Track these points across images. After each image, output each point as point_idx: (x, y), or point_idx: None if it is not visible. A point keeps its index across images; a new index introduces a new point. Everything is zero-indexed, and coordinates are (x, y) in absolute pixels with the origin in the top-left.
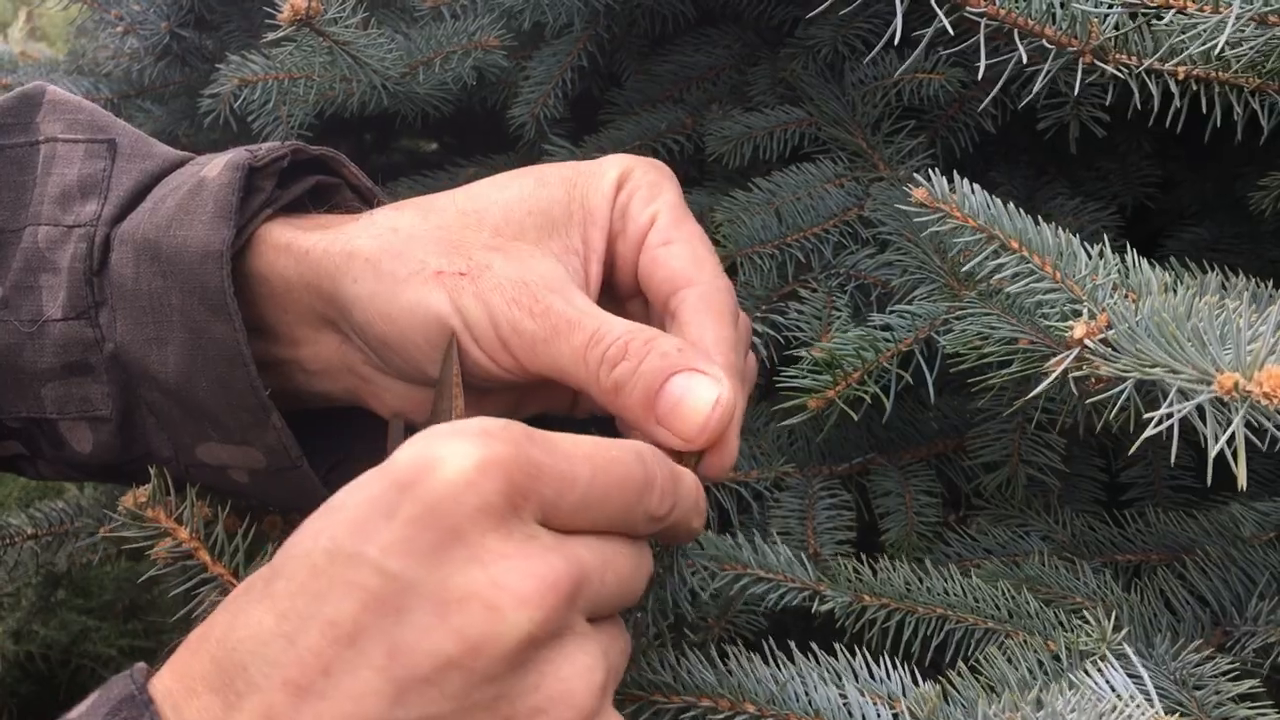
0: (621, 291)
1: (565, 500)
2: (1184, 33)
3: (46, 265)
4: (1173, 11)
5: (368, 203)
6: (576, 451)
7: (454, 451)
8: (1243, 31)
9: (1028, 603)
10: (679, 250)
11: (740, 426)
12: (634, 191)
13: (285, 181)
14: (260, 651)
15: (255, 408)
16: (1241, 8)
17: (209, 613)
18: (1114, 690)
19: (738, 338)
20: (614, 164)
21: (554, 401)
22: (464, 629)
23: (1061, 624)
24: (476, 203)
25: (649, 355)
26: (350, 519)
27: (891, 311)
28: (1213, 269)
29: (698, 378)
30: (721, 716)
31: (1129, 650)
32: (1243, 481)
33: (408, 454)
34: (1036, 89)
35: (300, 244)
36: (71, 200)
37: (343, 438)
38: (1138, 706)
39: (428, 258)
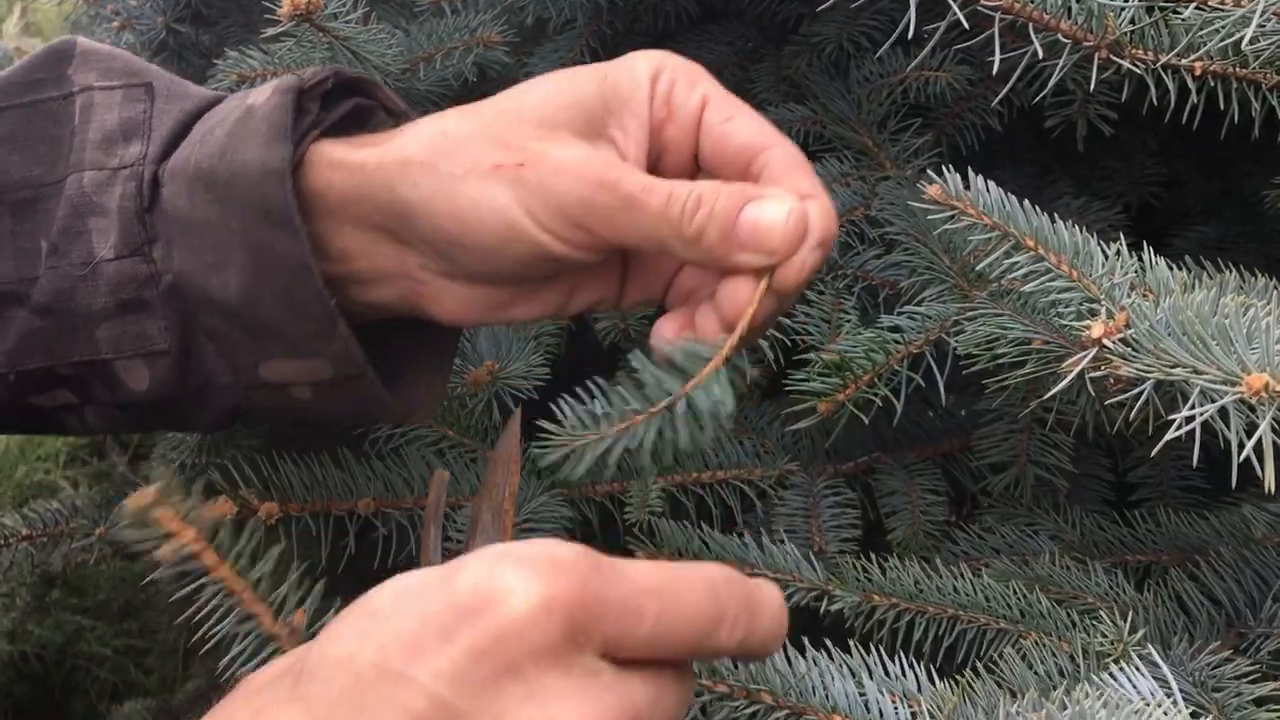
0: (670, 174)
1: (629, 637)
2: (1204, 27)
3: (94, 209)
4: (1192, 6)
5: (401, 124)
6: (646, 583)
7: (521, 585)
8: (1264, 26)
9: (1040, 602)
10: (745, 122)
11: (823, 251)
12: (674, 80)
13: (328, 104)
14: None
15: (321, 317)
16: (1268, 0)
17: (210, 614)
18: (1139, 692)
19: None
20: (643, 57)
21: (604, 289)
22: None
23: (1075, 624)
24: (515, 101)
25: (719, 197)
26: (402, 634)
27: (901, 313)
28: (1228, 268)
29: (766, 201)
30: (737, 704)
31: (1154, 652)
32: (1270, 485)
33: (472, 578)
34: (1051, 84)
35: (354, 158)
36: (114, 143)
37: (400, 352)
38: (1164, 711)
39: (480, 154)
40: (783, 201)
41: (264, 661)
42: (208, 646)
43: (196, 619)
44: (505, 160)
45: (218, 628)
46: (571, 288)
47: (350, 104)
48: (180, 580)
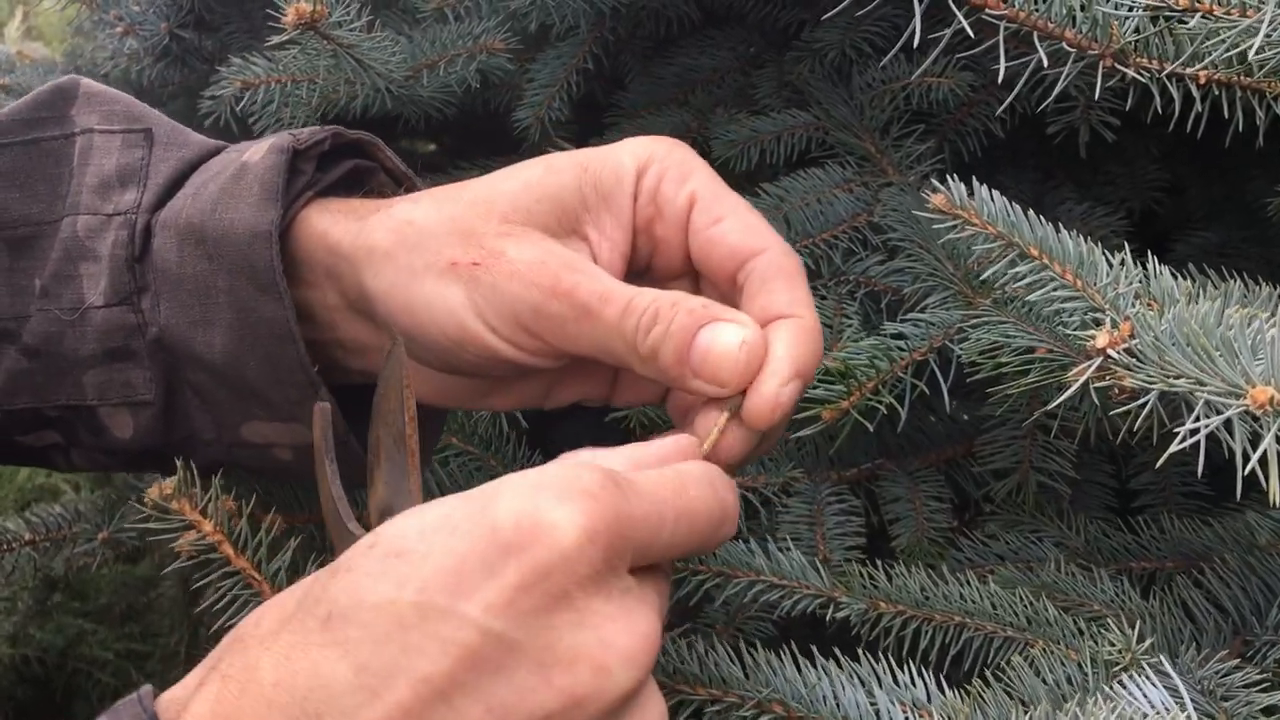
0: (663, 273)
1: (654, 547)
2: (1209, 37)
3: (87, 254)
4: (1198, 15)
5: (402, 186)
6: (661, 494)
7: (566, 517)
8: (1270, 36)
9: (1046, 610)
10: (732, 224)
11: (799, 383)
12: (662, 174)
13: (324, 164)
14: (337, 703)
15: (304, 384)
16: (1275, 11)
17: (232, 606)
18: (1150, 703)
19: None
20: (630, 148)
21: (590, 388)
22: (571, 688)
23: (1082, 632)
24: (489, 189)
25: (677, 315)
26: (444, 571)
27: (905, 319)
28: (1233, 276)
29: (722, 325)
30: (748, 713)
31: (1165, 662)
32: (1275, 498)
33: (513, 511)
34: (1056, 92)
35: (332, 235)
36: (110, 189)
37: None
38: None
39: (441, 249)
40: (739, 330)
41: None
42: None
43: (217, 608)
44: (463, 258)
45: (235, 619)
46: (550, 384)
47: (349, 165)
48: (197, 572)
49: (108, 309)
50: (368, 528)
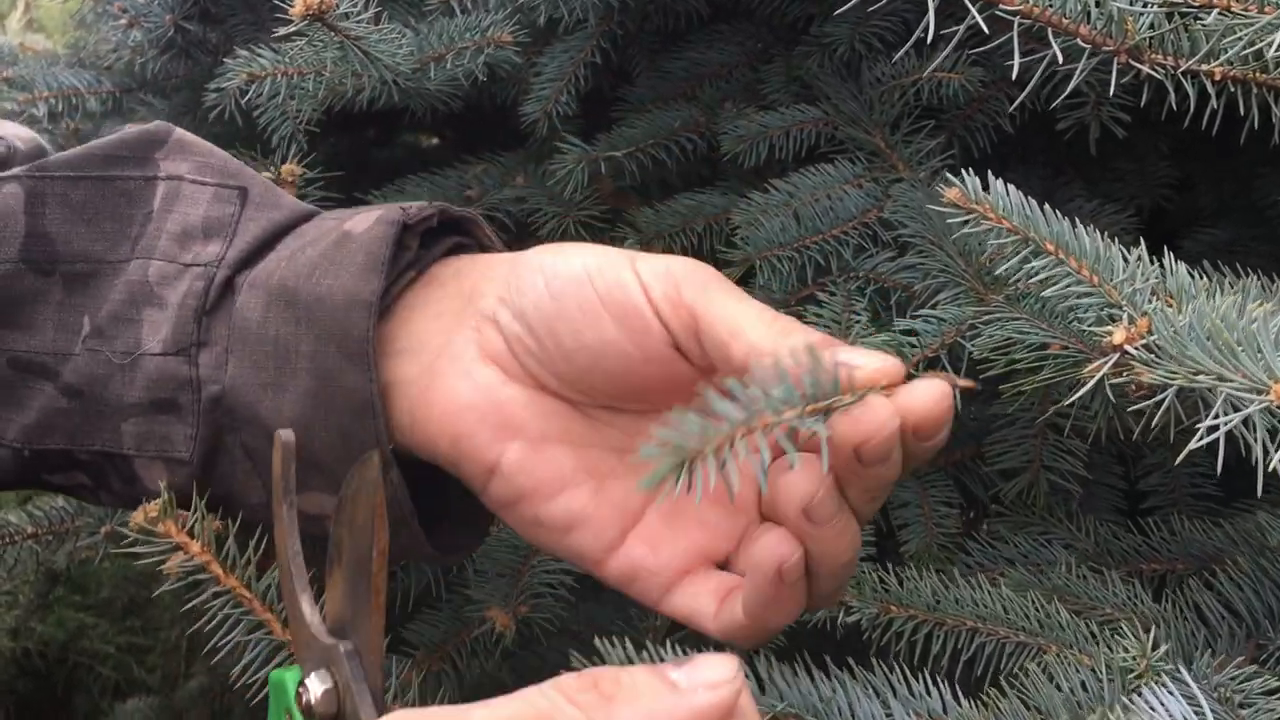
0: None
1: None
2: (1226, 34)
3: (153, 300)
4: (1215, 11)
5: None
6: None
7: None
8: None
9: (1059, 614)
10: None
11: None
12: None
13: (427, 241)
14: None
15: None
16: None
17: (224, 625)
18: (1170, 714)
19: None
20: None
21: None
22: None
23: (1094, 636)
24: None
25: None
26: None
27: (916, 316)
28: (1245, 272)
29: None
30: None
31: (1184, 670)
32: None
33: None
34: (1070, 88)
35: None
36: (193, 239)
37: (442, 498)
38: None
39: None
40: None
41: (276, 668)
42: (220, 656)
43: (207, 629)
44: None
45: (228, 638)
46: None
47: (450, 242)
48: (189, 591)
49: (163, 357)
50: (322, 616)
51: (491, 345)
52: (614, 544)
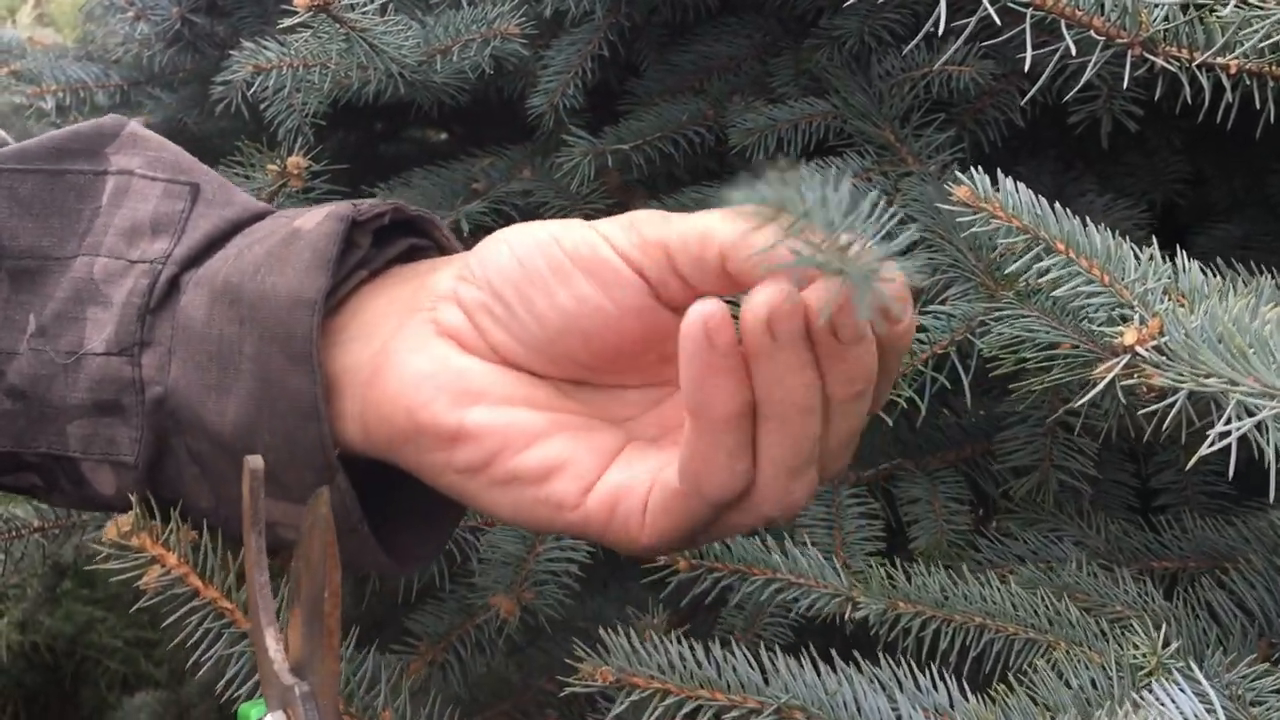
0: None
1: None
2: (1243, 27)
3: (98, 298)
4: (1231, 4)
5: None
6: None
7: None
8: None
9: (1069, 611)
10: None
11: None
12: None
13: (380, 240)
14: None
15: (321, 467)
16: None
17: (205, 639)
18: (1181, 712)
19: None
20: None
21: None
22: None
23: (1105, 634)
24: None
25: None
26: None
27: (926, 312)
28: (1262, 271)
29: None
30: (767, 719)
31: (1195, 667)
32: None
33: None
34: (1084, 80)
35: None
36: (140, 236)
37: (400, 500)
38: None
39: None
40: None
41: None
42: (203, 671)
43: (189, 644)
44: None
45: (210, 652)
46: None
47: (404, 244)
48: (170, 605)
49: (106, 357)
50: (285, 653)
51: (449, 321)
52: (591, 483)
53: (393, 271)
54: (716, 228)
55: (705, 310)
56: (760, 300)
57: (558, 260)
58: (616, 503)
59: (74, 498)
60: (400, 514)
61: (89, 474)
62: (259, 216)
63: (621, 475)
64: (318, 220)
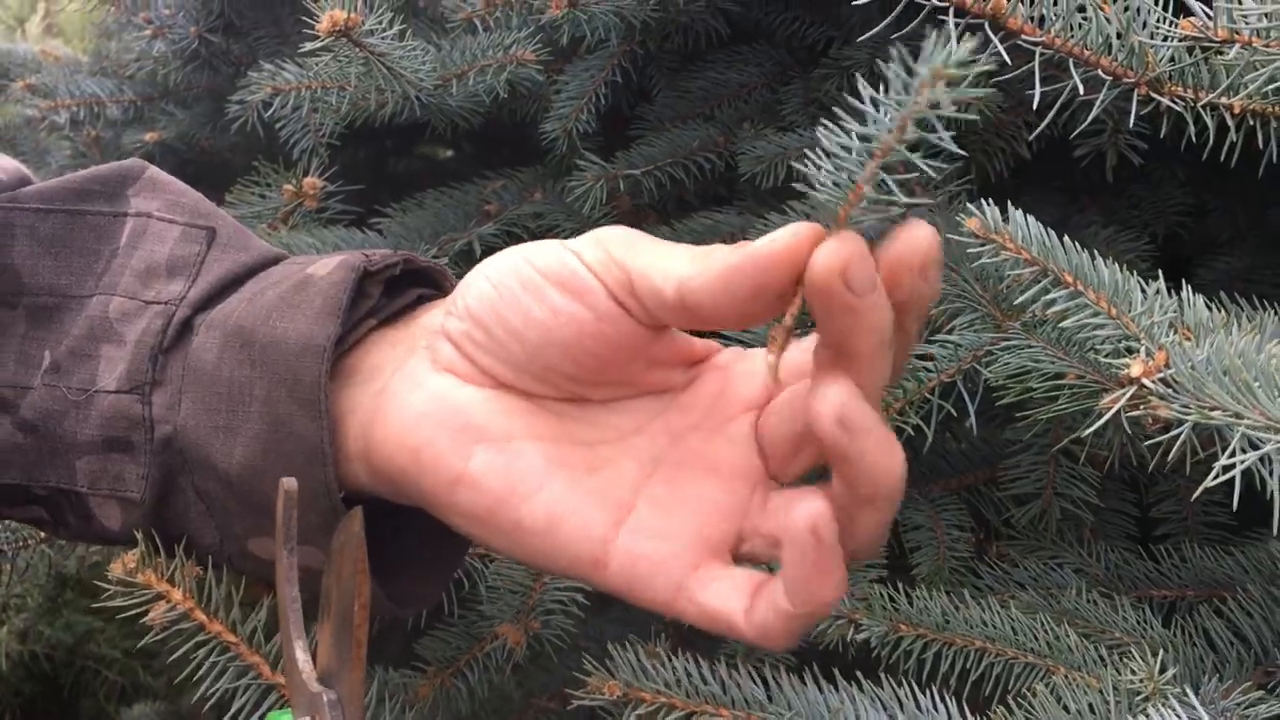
0: None
1: None
2: (1248, 69)
3: (112, 336)
4: (1237, 46)
5: None
6: None
7: None
8: None
9: (1068, 636)
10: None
11: None
12: None
13: (391, 290)
14: None
15: (326, 510)
16: None
17: (211, 674)
18: None
19: None
20: None
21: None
22: None
23: (1103, 659)
24: None
25: None
26: None
27: (933, 340)
28: (1263, 305)
29: None
30: None
31: (1191, 694)
32: None
33: None
34: (1090, 117)
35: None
36: (156, 277)
37: (403, 541)
38: None
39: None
40: None
41: (268, 711)
42: (209, 705)
43: (195, 678)
44: None
45: (216, 685)
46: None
47: (414, 295)
48: (176, 640)
49: (117, 395)
50: (314, 664)
51: (442, 355)
52: (607, 538)
53: (401, 318)
54: (674, 268)
55: (813, 510)
56: (829, 400)
57: (528, 277)
58: (638, 573)
59: (80, 532)
60: (402, 556)
61: (96, 509)
62: (273, 261)
63: (642, 542)
64: (330, 268)
